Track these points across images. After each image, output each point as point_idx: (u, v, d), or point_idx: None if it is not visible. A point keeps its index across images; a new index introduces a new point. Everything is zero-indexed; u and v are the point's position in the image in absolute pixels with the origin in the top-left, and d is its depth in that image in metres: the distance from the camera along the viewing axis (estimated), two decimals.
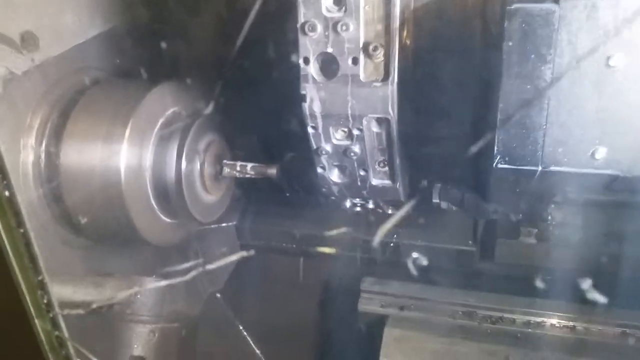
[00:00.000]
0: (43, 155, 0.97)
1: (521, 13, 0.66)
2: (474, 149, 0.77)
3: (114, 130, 0.96)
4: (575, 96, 0.67)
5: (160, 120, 1.03)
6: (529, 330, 1.02)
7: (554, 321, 1.01)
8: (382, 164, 0.94)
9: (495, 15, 0.74)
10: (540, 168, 0.70)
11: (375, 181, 0.96)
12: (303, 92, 0.88)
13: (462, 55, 0.79)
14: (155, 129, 1.02)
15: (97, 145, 0.96)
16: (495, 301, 1.05)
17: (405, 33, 0.85)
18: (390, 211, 1.07)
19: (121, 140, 0.95)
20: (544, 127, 0.69)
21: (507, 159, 0.72)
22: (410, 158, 0.94)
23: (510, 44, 0.68)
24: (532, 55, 0.67)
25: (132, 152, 0.97)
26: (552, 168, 0.70)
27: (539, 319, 1.02)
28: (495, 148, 0.72)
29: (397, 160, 0.91)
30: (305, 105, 0.89)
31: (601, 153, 0.68)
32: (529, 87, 0.68)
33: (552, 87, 0.66)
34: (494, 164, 0.73)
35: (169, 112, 1.06)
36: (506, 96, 0.70)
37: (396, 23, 0.82)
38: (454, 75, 0.81)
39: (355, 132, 0.89)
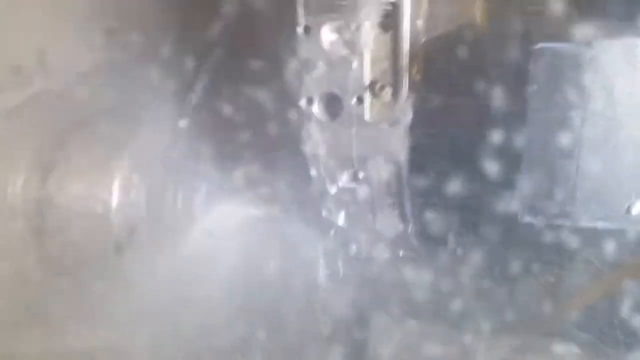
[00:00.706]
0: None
1: (548, 53, 0.59)
2: (495, 199, 0.70)
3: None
4: (609, 145, 0.60)
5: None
6: None
7: None
8: (391, 208, 0.87)
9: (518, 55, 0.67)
10: (569, 223, 0.63)
11: (384, 226, 0.89)
12: (304, 134, 0.82)
13: (477, 97, 0.72)
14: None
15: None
16: None
17: (415, 69, 0.79)
18: (401, 254, 0.99)
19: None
20: (575, 178, 0.62)
21: (532, 212, 0.65)
22: (425, 204, 0.87)
23: (536, 87, 0.61)
24: (560, 100, 0.60)
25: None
26: (584, 224, 0.63)
27: None
28: (520, 201, 0.65)
29: (408, 205, 0.85)
30: (308, 147, 0.82)
31: (638, 208, 0.60)
32: (556, 134, 0.61)
33: (582, 135, 0.59)
34: (519, 218, 0.65)
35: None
36: (531, 144, 0.63)
37: (405, 60, 0.75)
38: (470, 117, 0.74)
39: (362, 175, 0.83)
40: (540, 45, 0.59)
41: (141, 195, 0.96)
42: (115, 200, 0.92)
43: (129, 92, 1.05)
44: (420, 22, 0.78)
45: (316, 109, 0.79)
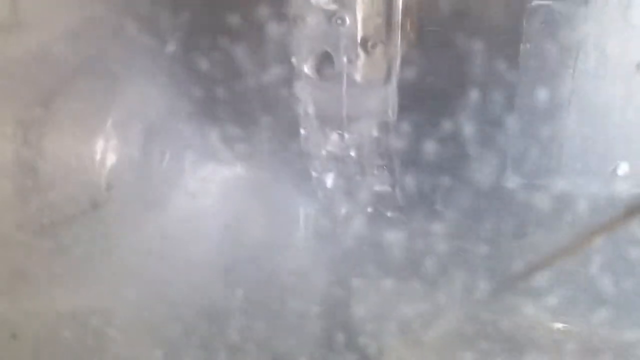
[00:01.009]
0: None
1: (543, 11, 0.58)
2: (481, 158, 0.70)
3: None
4: (598, 105, 0.60)
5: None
6: None
7: None
8: (380, 169, 0.87)
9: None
10: (554, 183, 0.64)
11: (372, 187, 0.90)
12: (295, 91, 0.80)
13: (471, 56, 0.71)
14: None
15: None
16: None
17: (409, 26, 0.77)
18: (389, 214, 1.00)
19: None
20: (562, 138, 0.62)
21: (518, 172, 0.65)
22: (413, 163, 0.87)
23: (529, 46, 0.60)
24: (553, 60, 0.59)
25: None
26: (569, 183, 0.64)
27: None
28: (507, 160, 0.65)
29: (398, 166, 0.85)
30: (298, 106, 0.81)
31: (623, 169, 0.61)
32: (545, 95, 0.61)
33: (573, 95, 0.59)
34: (506, 177, 0.66)
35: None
36: (519, 103, 0.63)
37: (398, 16, 0.74)
38: (462, 77, 0.73)
39: (352, 135, 0.82)
40: (536, 2, 0.57)
41: (124, 153, 0.94)
42: (97, 159, 0.90)
43: (110, 50, 1.02)
44: None
45: (306, 66, 0.78)
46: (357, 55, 0.76)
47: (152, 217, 1.00)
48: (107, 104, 0.93)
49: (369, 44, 0.75)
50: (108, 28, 0.96)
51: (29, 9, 0.91)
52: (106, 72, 1.00)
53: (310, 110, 0.81)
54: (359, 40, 0.75)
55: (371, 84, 0.77)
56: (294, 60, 0.77)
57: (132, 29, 0.88)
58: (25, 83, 0.91)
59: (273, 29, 0.79)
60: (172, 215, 1.02)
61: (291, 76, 0.79)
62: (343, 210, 0.98)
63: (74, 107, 0.93)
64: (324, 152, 0.86)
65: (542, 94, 0.61)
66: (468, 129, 0.71)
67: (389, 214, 0.97)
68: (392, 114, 0.78)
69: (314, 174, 0.90)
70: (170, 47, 0.90)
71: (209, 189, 1.06)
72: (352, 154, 0.85)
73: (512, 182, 0.66)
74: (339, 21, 0.74)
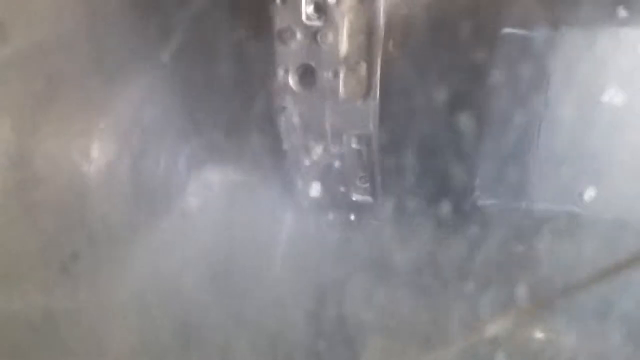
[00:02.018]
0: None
1: (513, 39, 0.60)
2: (457, 176, 0.72)
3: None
4: (567, 131, 0.62)
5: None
6: None
7: None
8: (362, 180, 0.89)
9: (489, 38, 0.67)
10: (523, 205, 0.66)
11: (355, 197, 0.92)
12: (281, 103, 0.82)
13: (450, 76, 0.72)
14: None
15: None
16: None
17: (391, 43, 0.79)
18: (371, 223, 1.02)
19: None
20: (531, 162, 0.64)
21: (488, 193, 0.67)
22: (395, 179, 0.89)
23: (499, 71, 0.62)
24: (523, 85, 0.61)
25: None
26: (538, 205, 0.66)
27: None
28: (477, 180, 0.67)
29: (378, 178, 0.87)
30: (283, 118, 0.83)
31: (590, 194, 0.63)
32: (517, 118, 0.63)
33: (543, 120, 0.61)
34: (475, 199, 0.68)
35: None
36: (492, 125, 0.65)
37: (380, 34, 0.75)
38: (441, 96, 0.75)
39: (335, 148, 0.84)
40: (506, 30, 0.59)
41: (120, 158, 0.96)
42: (93, 162, 0.92)
43: (107, 53, 1.04)
44: None
45: (291, 80, 0.80)
46: (339, 71, 0.78)
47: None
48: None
49: (352, 60, 0.77)
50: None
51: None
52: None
53: (295, 122, 0.83)
54: (341, 57, 0.77)
55: (353, 99, 0.79)
56: (279, 73, 0.80)
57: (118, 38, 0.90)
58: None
59: (258, 43, 0.81)
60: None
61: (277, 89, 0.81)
62: (327, 219, 1.00)
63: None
64: (308, 163, 0.88)
65: (513, 119, 0.63)
66: (443, 145, 0.73)
67: (371, 223, 1.00)
68: (373, 127, 0.80)
69: (299, 183, 0.92)
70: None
71: (198, 195, 1.08)
72: (336, 165, 0.87)
73: (482, 201, 0.68)
74: (323, 37, 0.76)
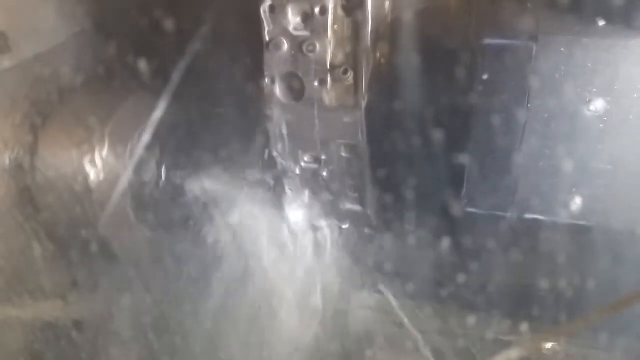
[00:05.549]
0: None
1: (495, 49, 0.60)
2: (446, 185, 0.72)
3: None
4: (550, 141, 0.62)
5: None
6: None
7: None
8: (352, 189, 0.89)
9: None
10: (510, 215, 0.66)
11: (345, 206, 0.92)
12: (268, 112, 0.83)
13: (436, 86, 0.72)
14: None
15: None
16: None
17: (378, 53, 0.79)
18: (362, 231, 1.02)
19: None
20: (517, 172, 0.64)
21: (475, 203, 0.67)
22: (383, 184, 0.89)
23: (485, 78, 0.62)
24: (506, 95, 0.61)
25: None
26: (525, 216, 0.66)
27: None
28: (464, 189, 0.67)
29: (368, 186, 0.87)
30: (270, 127, 0.84)
31: (576, 203, 0.63)
32: (501, 127, 0.63)
33: (526, 129, 0.61)
34: (463, 207, 0.68)
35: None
36: (477, 135, 0.65)
37: (367, 44, 0.76)
38: (428, 107, 0.75)
39: (323, 156, 0.84)
40: (488, 41, 0.59)
41: (123, 168, 0.96)
42: (95, 173, 0.92)
43: (107, 65, 1.04)
44: (386, 7, 0.78)
45: (278, 89, 0.80)
46: (327, 81, 0.78)
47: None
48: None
49: (339, 70, 0.77)
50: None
51: None
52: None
53: (284, 131, 0.83)
54: (329, 67, 0.77)
55: (341, 108, 0.79)
56: (266, 83, 0.80)
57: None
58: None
59: (247, 53, 0.82)
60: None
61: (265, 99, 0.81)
62: (318, 226, 1.00)
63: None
64: (297, 171, 0.88)
65: (497, 127, 0.63)
66: (430, 153, 0.73)
67: (361, 230, 1.00)
68: (360, 136, 0.80)
69: (289, 191, 0.92)
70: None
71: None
72: (324, 174, 0.87)
73: (469, 209, 0.68)
74: (310, 47, 0.77)
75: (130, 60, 1.00)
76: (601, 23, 0.54)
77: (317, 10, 0.76)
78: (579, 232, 0.64)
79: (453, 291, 0.89)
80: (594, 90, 0.56)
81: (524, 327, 0.71)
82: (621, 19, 0.55)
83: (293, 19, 0.77)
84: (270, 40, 0.78)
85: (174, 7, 0.98)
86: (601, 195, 0.60)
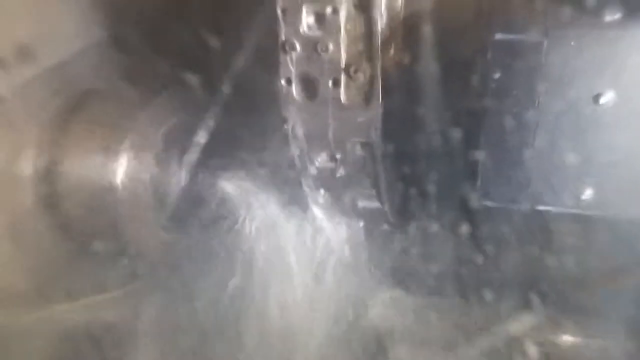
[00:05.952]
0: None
1: (505, 45, 0.60)
2: (459, 182, 0.73)
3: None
4: (562, 134, 0.62)
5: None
6: None
7: None
8: (368, 187, 0.90)
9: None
10: (524, 207, 0.66)
11: (362, 203, 0.93)
12: (285, 113, 0.84)
13: (450, 83, 0.73)
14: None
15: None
16: None
17: (392, 50, 0.80)
18: (380, 228, 1.03)
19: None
20: (530, 165, 0.64)
21: (490, 195, 0.67)
22: (400, 181, 0.90)
23: (496, 76, 0.62)
24: (517, 89, 0.61)
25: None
26: (538, 207, 0.65)
27: None
28: (479, 183, 0.68)
29: (384, 184, 0.88)
30: (288, 127, 0.85)
31: (588, 194, 0.62)
32: (513, 121, 0.63)
33: (537, 123, 0.61)
34: (478, 200, 0.68)
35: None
36: (489, 130, 0.65)
37: (378, 42, 0.77)
38: (441, 103, 0.76)
39: (339, 155, 0.86)
40: (498, 36, 0.60)
41: (145, 173, 0.99)
42: (119, 178, 0.96)
43: (130, 71, 1.08)
44: (398, 4, 0.79)
45: (293, 89, 0.82)
46: (340, 80, 0.79)
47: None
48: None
49: (352, 69, 0.78)
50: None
51: None
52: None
53: (299, 131, 0.85)
54: (342, 66, 0.79)
55: (355, 107, 0.80)
56: (282, 84, 0.81)
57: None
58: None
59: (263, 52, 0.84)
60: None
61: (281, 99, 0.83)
62: (336, 225, 1.02)
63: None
64: (314, 171, 0.90)
65: (509, 122, 0.63)
66: (444, 150, 0.73)
67: (379, 228, 1.01)
68: (375, 134, 0.81)
69: (306, 190, 0.94)
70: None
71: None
72: (341, 172, 0.88)
73: (484, 202, 0.68)
74: (324, 48, 0.78)
75: (153, 65, 1.04)
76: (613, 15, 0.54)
77: (329, 9, 0.77)
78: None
79: (473, 285, 0.89)
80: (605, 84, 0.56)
81: (542, 319, 0.71)
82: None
83: (306, 19, 0.79)
84: (285, 40, 0.80)
85: (191, 10, 1.01)
86: (616, 187, 0.59)
